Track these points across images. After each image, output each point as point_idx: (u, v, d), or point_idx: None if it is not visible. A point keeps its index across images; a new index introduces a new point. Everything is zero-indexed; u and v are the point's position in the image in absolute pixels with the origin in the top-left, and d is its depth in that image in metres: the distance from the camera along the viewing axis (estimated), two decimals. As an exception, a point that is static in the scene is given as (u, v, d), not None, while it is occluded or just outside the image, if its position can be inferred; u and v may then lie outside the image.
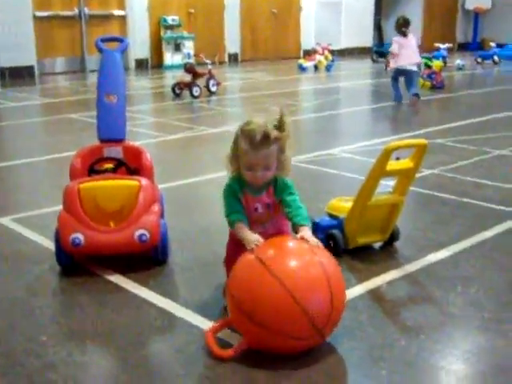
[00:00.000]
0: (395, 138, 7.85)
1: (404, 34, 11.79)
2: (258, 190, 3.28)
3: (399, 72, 11.88)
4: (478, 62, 21.30)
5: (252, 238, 3.10)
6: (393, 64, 12.00)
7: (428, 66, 14.58)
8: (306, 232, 3.15)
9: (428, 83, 14.05)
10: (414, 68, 11.84)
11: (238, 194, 3.29)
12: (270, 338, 2.91)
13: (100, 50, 4.73)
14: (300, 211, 3.24)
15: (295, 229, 3.24)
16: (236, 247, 3.33)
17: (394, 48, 11.77)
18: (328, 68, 19.29)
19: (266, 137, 3.07)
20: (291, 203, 3.26)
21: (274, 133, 3.11)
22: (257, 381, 2.86)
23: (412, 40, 11.88)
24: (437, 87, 14.03)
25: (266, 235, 3.23)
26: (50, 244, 4.44)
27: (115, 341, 3.26)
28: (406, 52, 11.71)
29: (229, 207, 3.30)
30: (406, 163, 4.21)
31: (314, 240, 3.10)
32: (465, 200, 5.60)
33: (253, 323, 2.90)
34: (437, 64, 14.42)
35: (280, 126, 3.15)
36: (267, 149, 3.10)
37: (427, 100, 12.77)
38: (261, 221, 3.35)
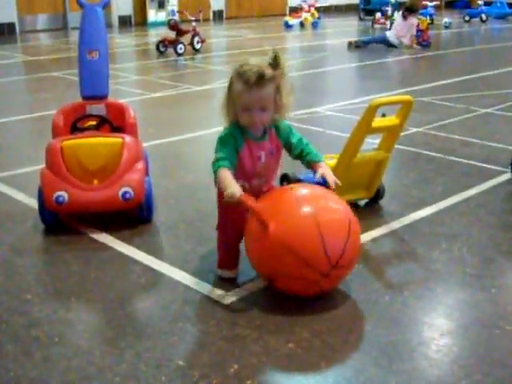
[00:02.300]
0: (381, 96, 7.81)
1: (404, 17, 13.93)
2: (260, 137, 3.16)
3: (386, 42, 14.05)
4: (465, 21, 21.19)
5: (237, 188, 2.94)
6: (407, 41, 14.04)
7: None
8: (325, 169, 3.17)
9: (414, 40, 14.03)
10: (396, 44, 13.97)
11: (238, 142, 3.12)
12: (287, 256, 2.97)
13: (81, 5, 4.63)
14: (310, 148, 3.24)
15: (310, 166, 3.25)
16: (228, 213, 3.27)
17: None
18: (314, 25, 19.14)
19: (260, 76, 2.97)
20: (299, 142, 3.23)
21: (269, 71, 3.00)
22: (241, 336, 2.87)
23: (409, 23, 13.88)
24: (422, 45, 14.00)
25: (260, 186, 3.24)
26: (33, 203, 4.40)
27: (100, 298, 3.25)
28: (400, 30, 13.96)
29: (221, 153, 3.06)
30: (391, 120, 4.19)
31: (332, 177, 3.13)
32: (450, 158, 5.61)
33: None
34: (423, 22, 14.35)
35: (275, 65, 3.04)
36: (263, 88, 2.99)
37: (414, 58, 12.71)
38: (261, 174, 3.24)
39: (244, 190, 3.07)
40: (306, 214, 2.97)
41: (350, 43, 14.18)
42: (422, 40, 14.11)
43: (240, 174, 3.15)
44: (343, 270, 3.07)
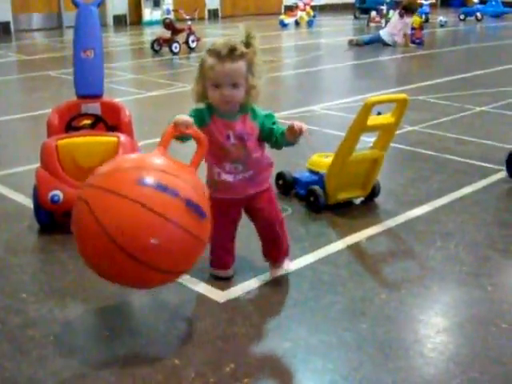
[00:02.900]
0: (376, 95, 7.81)
1: (401, 16, 14.00)
2: (230, 115, 3.02)
3: (380, 40, 14.07)
4: (460, 19, 21.21)
5: (182, 116, 2.80)
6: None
7: None
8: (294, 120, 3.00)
9: (408, 39, 14.05)
10: (390, 42, 14.00)
11: (205, 116, 3.01)
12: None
13: (75, 4, 4.61)
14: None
15: (285, 135, 3.05)
16: (220, 211, 3.09)
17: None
18: (309, 24, 19.13)
19: (232, 49, 2.89)
20: (278, 128, 3.08)
21: (241, 47, 2.92)
22: (235, 336, 2.87)
23: (403, 22, 13.93)
24: (416, 43, 14.02)
25: (243, 181, 3.12)
26: (28, 202, 4.39)
27: (96, 297, 3.25)
28: (393, 28, 14.04)
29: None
30: (386, 118, 4.19)
31: (300, 124, 2.98)
32: (445, 156, 5.61)
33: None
34: (416, 20, 14.37)
35: (247, 43, 2.95)
36: (234, 62, 2.88)
37: (409, 57, 12.73)
38: (233, 157, 3.06)
39: (224, 184, 3.12)
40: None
41: (351, 41, 14.24)
42: (416, 38, 14.15)
43: (211, 154, 3.05)
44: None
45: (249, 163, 3.10)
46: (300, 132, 2.97)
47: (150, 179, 2.56)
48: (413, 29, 14.19)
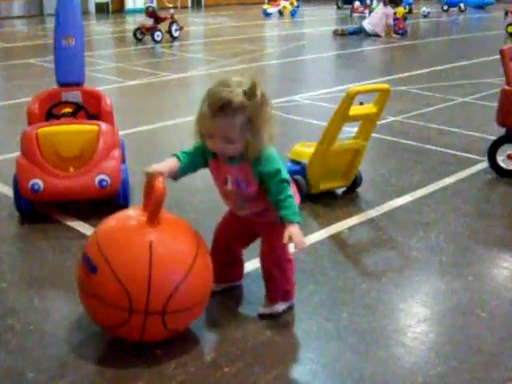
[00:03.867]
0: (359, 85, 7.82)
1: (384, 4, 14.25)
2: (229, 159, 2.71)
3: (364, 31, 14.15)
4: (443, 10, 21.27)
5: (159, 166, 2.65)
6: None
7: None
8: (293, 229, 2.60)
9: (390, 29, 14.08)
10: (372, 32, 14.10)
11: (207, 154, 2.76)
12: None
13: (56, -9, 4.57)
14: (290, 203, 2.65)
15: (281, 221, 2.66)
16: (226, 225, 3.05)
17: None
18: (293, 14, 19.10)
19: (225, 104, 2.51)
20: (278, 192, 2.66)
21: (239, 99, 2.51)
22: (219, 324, 2.86)
23: (383, 12, 14.15)
24: (398, 33, 14.05)
25: (249, 215, 2.87)
26: (8, 191, 4.35)
27: (76, 287, 3.22)
28: (374, 18, 14.27)
29: (184, 150, 2.80)
30: (369, 108, 4.19)
31: (299, 238, 2.61)
32: (427, 147, 5.63)
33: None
34: (400, 10, 14.40)
35: (250, 94, 2.54)
36: (226, 118, 2.52)
37: (392, 47, 12.75)
38: (233, 200, 2.84)
39: (236, 220, 2.94)
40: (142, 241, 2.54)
41: (335, 31, 14.27)
42: (398, 28, 14.18)
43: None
44: (177, 314, 2.58)
45: (252, 207, 2.83)
46: (295, 245, 2.63)
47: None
48: (396, 19, 14.22)
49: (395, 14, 14.29)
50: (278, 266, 2.91)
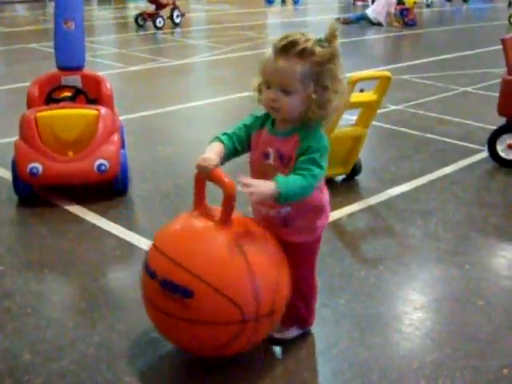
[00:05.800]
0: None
1: None
2: (280, 130, 2.32)
3: (367, 19, 14.06)
4: (447, 0, 21.17)
5: (206, 155, 2.26)
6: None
7: (400, 2, 14.37)
8: (261, 183, 2.17)
9: (400, 20, 13.86)
10: (375, 21, 13.96)
11: (256, 121, 2.40)
12: None
13: (57, -25, 4.55)
14: (294, 178, 2.19)
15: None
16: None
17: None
18: (295, 1, 19.01)
19: (291, 43, 2.15)
20: (301, 167, 2.21)
21: (307, 44, 2.16)
22: (216, 309, 2.87)
23: (389, 0, 13.93)
24: (409, 24, 13.83)
25: (276, 219, 2.40)
26: (7, 174, 4.35)
27: (74, 270, 3.23)
28: (377, 6, 14.06)
29: (228, 130, 2.43)
30: (369, 95, 4.18)
31: (254, 191, 2.12)
32: (428, 135, 5.62)
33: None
34: (410, 1, 14.18)
35: (325, 41, 2.19)
36: (289, 60, 2.15)
37: (394, 36, 12.70)
38: (269, 176, 2.24)
39: (255, 212, 2.48)
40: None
41: (338, 19, 14.25)
42: (408, 20, 13.93)
43: (251, 173, 2.44)
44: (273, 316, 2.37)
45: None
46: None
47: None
48: (406, 9, 14.03)
49: (403, 4, 14.11)
50: (303, 299, 2.57)
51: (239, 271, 2.22)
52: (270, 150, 2.31)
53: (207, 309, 2.21)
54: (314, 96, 2.18)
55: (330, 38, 2.19)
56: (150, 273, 2.31)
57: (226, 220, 2.28)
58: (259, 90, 2.29)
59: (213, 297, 2.19)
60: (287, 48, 2.16)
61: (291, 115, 2.24)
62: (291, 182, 2.17)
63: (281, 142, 2.29)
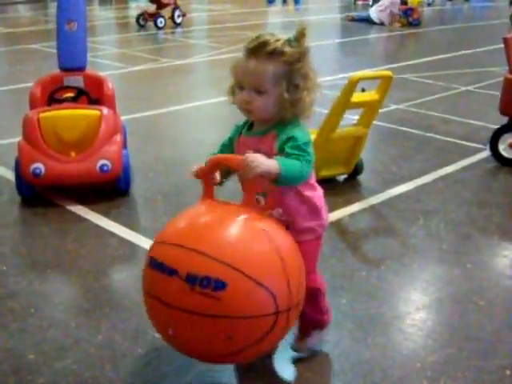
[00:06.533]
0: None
1: None
2: (253, 130, 2.32)
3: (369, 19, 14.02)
4: (447, -2, 21.16)
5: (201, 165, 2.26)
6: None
7: (404, 2, 14.30)
8: (262, 157, 2.09)
9: (404, 20, 13.77)
10: (377, 21, 13.87)
11: (236, 131, 2.39)
12: None
13: (59, -25, 4.55)
14: (291, 161, 2.14)
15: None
16: None
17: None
18: (296, 1, 19.01)
19: (261, 45, 2.18)
20: (289, 152, 2.16)
21: (278, 44, 2.18)
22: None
23: (393, 0, 13.88)
24: (413, 24, 13.71)
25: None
26: (10, 175, 4.36)
27: (77, 270, 3.24)
28: (381, 6, 13.97)
29: (219, 145, 2.44)
30: (371, 95, 4.18)
31: (252, 166, 2.06)
32: (429, 135, 5.62)
33: None
34: (414, 0, 14.08)
35: (296, 42, 2.22)
36: (261, 60, 2.17)
37: (395, 36, 12.70)
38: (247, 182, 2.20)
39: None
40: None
41: (347, 16, 14.68)
42: (413, 19, 13.82)
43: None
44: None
45: (274, 199, 2.26)
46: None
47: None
48: (410, 9, 13.96)
49: (406, 4, 14.08)
50: (308, 303, 2.38)
51: (271, 257, 2.07)
52: (248, 152, 2.18)
53: (241, 301, 2.00)
54: (286, 95, 2.19)
55: (299, 38, 2.22)
56: (168, 271, 2.04)
57: (250, 200, 2.15)
58: (232, 93, 2.29)
59: (249, 286, 2.00)
60: (258, 49, 2.18)
61: (265, 115, 2.24)
62: (290, 163, 2.13)
63: (258, 141, 2.27)
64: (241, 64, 2.23)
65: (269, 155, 2.16)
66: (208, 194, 2.28)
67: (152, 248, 2.23)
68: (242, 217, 2.12)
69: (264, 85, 2.19)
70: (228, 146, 2.40)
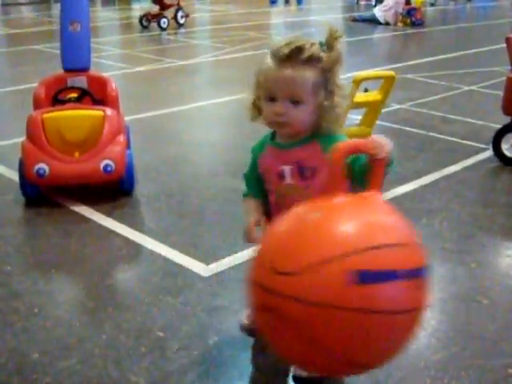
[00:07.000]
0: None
1: None
2: (288, 143, 2.03)
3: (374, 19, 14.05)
4: (450, -2, 21.16)
5: (249, 221, 2.05)
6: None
7: (407, 2, 14.28)
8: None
9: (407, 20, 13.75)
10: (382, 21, 13.94)
11: (255, 153, 2.13)
12: None
13: (62, -24, 4.57)
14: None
15: (366, 165, 1.81)
16: None
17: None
18: (299, 1, 19.01)
19: (297, 49, 1.94)
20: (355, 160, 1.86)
21: (313, 48, 1.96)
22: (221, 308, 2.88)
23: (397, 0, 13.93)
24: (416, 24, 13.69)
25: None
26: (14, 175, 4.37)
27: (80, 270, 3.25)
28: (386, 6, 14.06)
29: (244, 180, 2.20)
30: (374, 95, 4.19)
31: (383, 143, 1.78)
32: (432, 134, 5.62)
33: None
34: (418, 0, 14.05)
35: (329, 45, 2.00)
36: (298, 68, 1.94)
37: (398, 35, 12.69)
38: (290, 203, 1.72)
39: None
40: None
41: (350, 17, 14.79)
42: (416, 19, 13.80)
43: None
44: None
45: None
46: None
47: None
48: (414, 9, 13.94)
49: (409, 4, 14.06)
50: None
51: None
52: (285, 169, 2.01)
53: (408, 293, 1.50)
54: (325, 103, 1.97)
55: (331, 41, 2.01)
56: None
57: (378, 185, 1.79)
58: (255, 106, 2.05)
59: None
60: (293, 55, 1.94)
61: (302, 127, 1.98)
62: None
63: (296, 153, 2.00)
64: (272, 73, 1.96)
65: (314, 168, 1.98)
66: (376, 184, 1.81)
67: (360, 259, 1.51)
68: (382, 201, 1.70)
69: (303, 94, 1.95)
70: (257, 178, 2.13)
